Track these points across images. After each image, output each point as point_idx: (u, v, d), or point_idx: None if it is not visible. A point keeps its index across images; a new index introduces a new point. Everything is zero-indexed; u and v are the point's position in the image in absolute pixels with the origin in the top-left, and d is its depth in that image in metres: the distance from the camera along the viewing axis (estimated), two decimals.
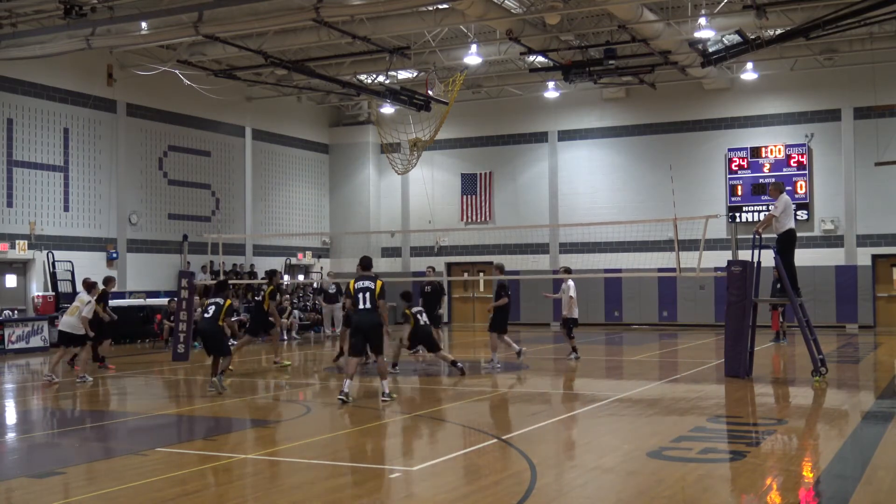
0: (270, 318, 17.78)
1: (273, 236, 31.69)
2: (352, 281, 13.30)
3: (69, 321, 15.89)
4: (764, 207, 27.20)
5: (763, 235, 15.35)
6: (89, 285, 16.49)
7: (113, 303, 24.19)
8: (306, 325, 28.37)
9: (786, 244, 14.93)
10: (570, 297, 18.73)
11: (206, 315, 14.59)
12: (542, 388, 15.32)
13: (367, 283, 13.07)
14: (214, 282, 16.30)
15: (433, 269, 21.16)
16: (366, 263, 13.68)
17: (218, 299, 14.65)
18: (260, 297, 18.85)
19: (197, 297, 20.90)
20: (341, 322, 26.52)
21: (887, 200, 27.84)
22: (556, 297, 19.43)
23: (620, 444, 9.73)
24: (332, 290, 26.49)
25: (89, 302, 15.82)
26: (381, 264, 31.47)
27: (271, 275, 18.82)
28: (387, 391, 13.08)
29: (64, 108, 24.89)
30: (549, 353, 20.64)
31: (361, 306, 12.95)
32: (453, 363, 16.29)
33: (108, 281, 18.91)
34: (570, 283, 18.89)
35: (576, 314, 18.90)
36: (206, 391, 14.26)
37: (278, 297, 20.07)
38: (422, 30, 24.32)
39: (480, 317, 32.74)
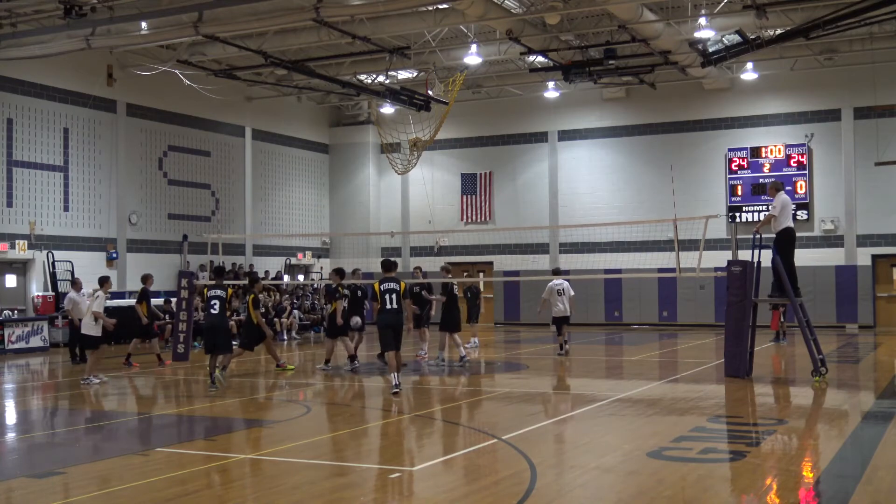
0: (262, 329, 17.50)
1: (273, 236, 31.69)
2: (376, 283, 14.05)
3: (84, 322, 15.93)
4: (764, 207, 27.19)
5: (762, 235, 15.36)
6: (100, 281, 16.46)
7: (113, 303, 24.26)
8: (306, 325, 28.36)
9: (784, 243, 14.92)
10: (543, 297, 19.60)
11: (212, 311, 14.62)
12: (542, 388, 15.32)
13: (392, 285, 13.93)
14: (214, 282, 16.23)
15: (420, 268, 21.24)
16: (388, 265, 14.43)
17: (219, 292, 14.68)
18: (245, 312, 18.47)
19: (198, 298, 20.88)
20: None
21: (887, 200, 27.84)
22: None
23: (620, 444, 9.73)
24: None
25: (98, 296, 15.79)
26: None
27: (253, 282, 18.22)
28: (397, 383, 13.74)
29: (64, 108, 24.90)
30: (549, 353, 20.64)
31: (389, 306, 13.84)
32: (351, 357, 17.20)
33: (146, 278, 18.90)
34: (549, 284, 19.67)
35: (554, 313, 19.47)
36: (206, 391, 14.27)
37: (262, 306, 19.75)
38: (422, 30, 24.32)
39: (480, 317, 32.65)
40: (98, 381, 15.67)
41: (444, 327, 18.34)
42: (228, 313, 15.09)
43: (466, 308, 22.09)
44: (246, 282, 20.73)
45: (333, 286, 17.64)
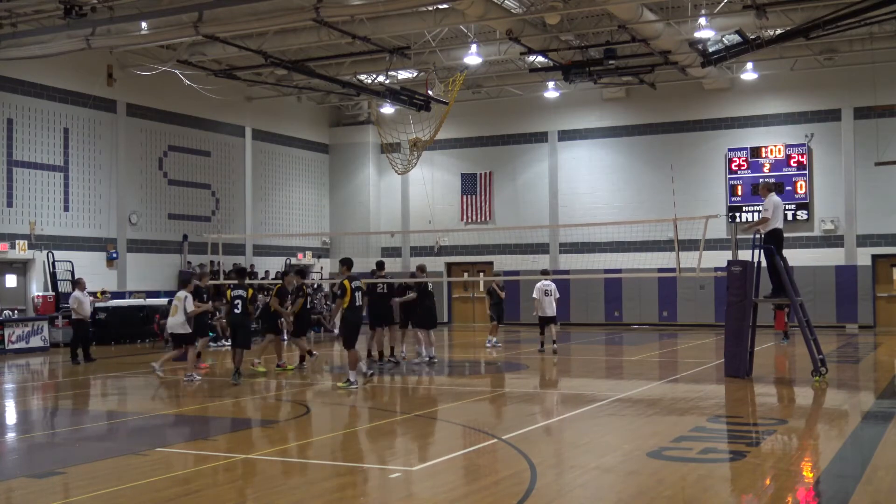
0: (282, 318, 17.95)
1: (273, 236, 31.69)
2: (346, 280, 14.44)
3: (171, 322, 16.03)
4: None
5: (760, 234, 15.38)
6: (184, 282, 16.54)
7: (113, 303, 24.30)
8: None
9: (773, 244, 14.94)
10: (533, 297, 20.33)
11: (235, 310, 15.46)
12: (542, 388, 15.33)
13: (359, 283, 14.65)
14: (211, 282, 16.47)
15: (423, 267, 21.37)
16: (351, 264, 14.97)
17: (241, 291, 15.52)
18: (267, 298, 18.89)
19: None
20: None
21: (887, 200, 27.84)
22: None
23: (620, 444, 9.73)
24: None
25: (186, 297, 15.88)
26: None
27: (284, 275, 18.97)
28: (368, 372, 14.91)
29: (64, 108, 24.90)
30: (548, 352, 20.64)
31: (358, 304, 14.47)
32: (309, 352, 17.54)
33: (202, 276, 18.93)
34: (536, 284, 20.39)
35: (540, 312, 20.23)
36: (229, 384, 14.28)
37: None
38: (422, 30, 24.32)
39: (480, 317, 32.75)
40: (199, 378, 15.75)
41: (417, 325, 18.44)
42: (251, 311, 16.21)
43: (488, 308, 22.56)
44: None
45: (296, 285, 17.91)
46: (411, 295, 18.17)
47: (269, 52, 25.15)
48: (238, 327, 15.69)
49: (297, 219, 33.16)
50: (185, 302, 15.78)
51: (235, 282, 16.13)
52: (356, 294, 14.34)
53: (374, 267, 19.10)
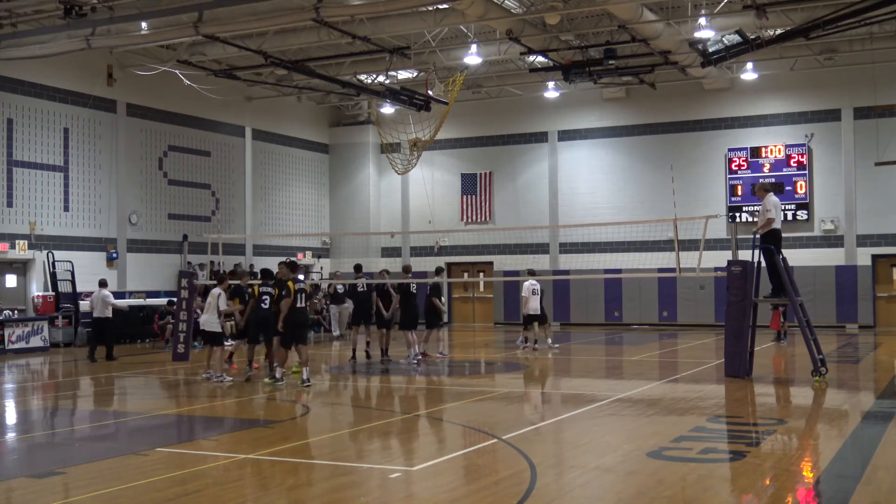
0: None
1: (273, 236, 31.68)
2: (290, 281, 14.96)
3: (204, 319, 16.03)
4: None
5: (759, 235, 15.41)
6: (219, 278, 16.49)
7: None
8: None
9: (772, 244, 14.94)
10: (523, 295, 20.88)
11: (262, 306, 15.70)
12: (542, 388, 15.33)
13: (302, 285, 15.16)
14: (225, 279, 16.55)
15: (387, 270, 21.33)
16: (295, 266, 15.71)
17: (269, 289, 15.77)
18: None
19: (198, 297, 20.84)
20: (346, 321, 26.86)
21: (887, 200, 27.83)
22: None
23: (620, 444, 9.73)
24: (341, 290, 26.53)
25: (220, 294, 15.81)
26: (381, 264, 31.55)
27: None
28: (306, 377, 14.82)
29: (64, 108, 24.89)
30: (548, 352, 20.64)
31: (300, 305, 14.93)
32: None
33: (241, 275, 18.85)
34: (525, 283, 20.94)
35: (528, 311, 20.80)
36: (241, 383, 14.27)
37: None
38: (422, 30, 24.32)
39: (480, 316, 32.77)
40: (231, 379, 15.57)
41: (402, 326, 18.48)
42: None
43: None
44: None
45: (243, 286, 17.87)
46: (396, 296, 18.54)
47: (269, 52, 25.15)
48: (266, 322, 15.73)
49: (297, 219, 33.16)
50: (217, 300, 15.78)
51: (261, 281, 16.35)
52: (299, 295, 14.84)
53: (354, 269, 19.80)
